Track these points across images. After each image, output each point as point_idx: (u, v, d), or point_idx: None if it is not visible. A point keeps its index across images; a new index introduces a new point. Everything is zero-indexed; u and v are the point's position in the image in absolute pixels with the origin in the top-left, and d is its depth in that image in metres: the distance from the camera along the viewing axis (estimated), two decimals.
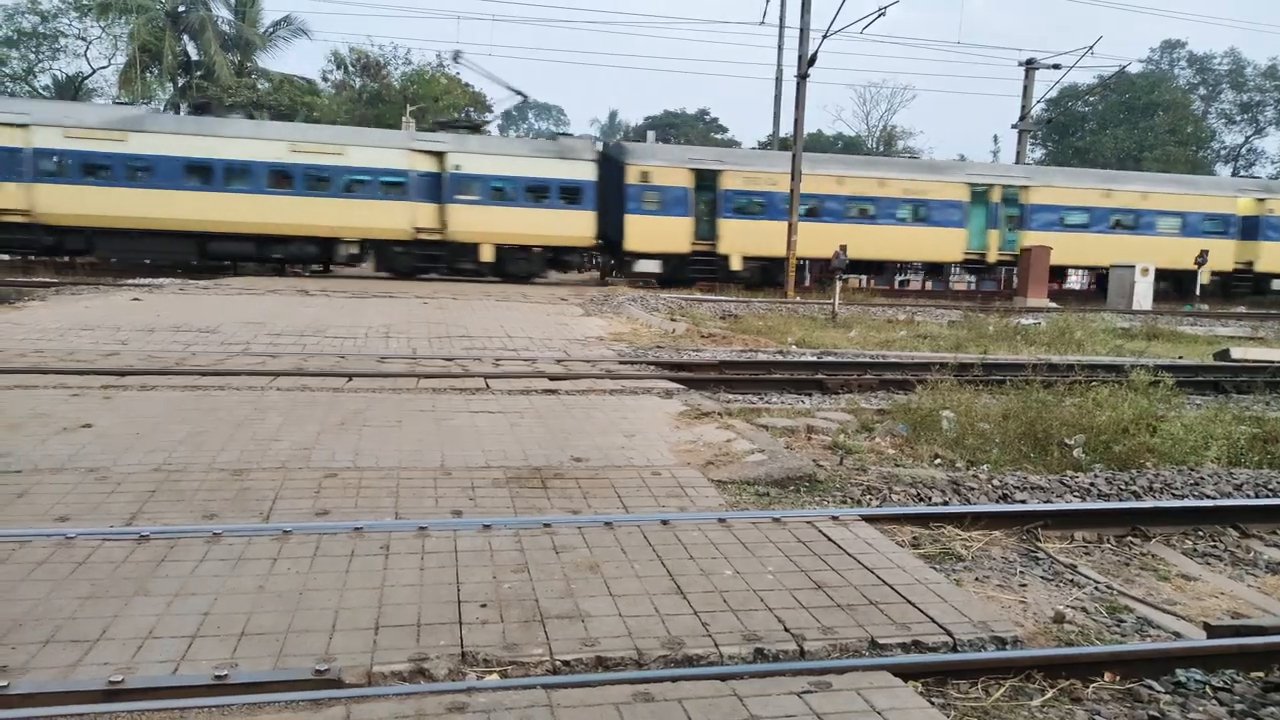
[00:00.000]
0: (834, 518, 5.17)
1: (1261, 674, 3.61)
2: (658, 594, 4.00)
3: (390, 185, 25.12)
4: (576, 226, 26.15)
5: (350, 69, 44.83)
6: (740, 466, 6.42)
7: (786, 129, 32.34)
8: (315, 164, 24.63)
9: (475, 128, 30.39)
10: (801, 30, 24.48)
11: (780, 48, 34.59)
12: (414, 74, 44.54)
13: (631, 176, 26.39)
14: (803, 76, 24.51)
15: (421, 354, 11.26)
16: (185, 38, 41.95)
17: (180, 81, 42.10)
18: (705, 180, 26.89)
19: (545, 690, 3.08)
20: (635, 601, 3.91)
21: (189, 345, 11.15)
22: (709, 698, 3.05)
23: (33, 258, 25.03)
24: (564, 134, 48.41)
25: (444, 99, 44.13)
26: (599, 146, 28.62)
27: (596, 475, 6.00)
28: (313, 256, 25.92)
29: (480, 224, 25.48)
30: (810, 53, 24.25)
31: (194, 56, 42.59)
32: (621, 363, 11.34)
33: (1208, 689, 3.49)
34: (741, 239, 26.93)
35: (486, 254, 25.77)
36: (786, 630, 3.69)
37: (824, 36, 23.95)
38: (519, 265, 26.29)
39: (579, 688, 3.11)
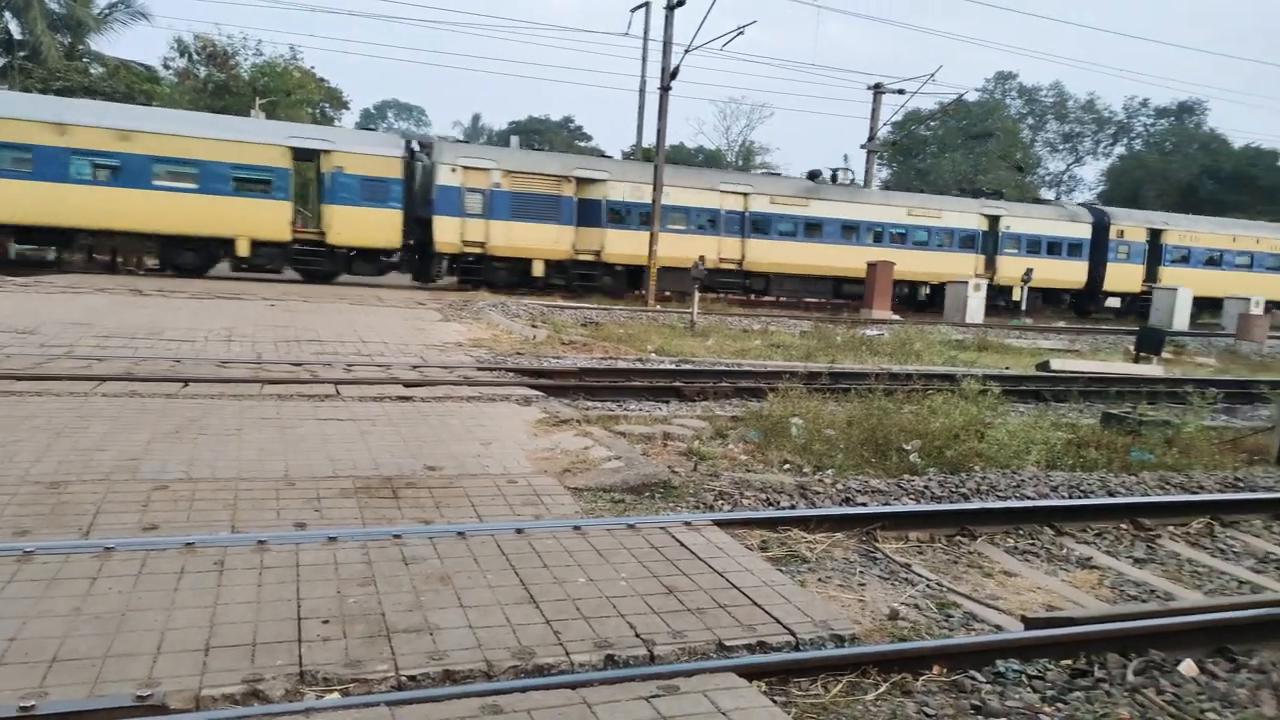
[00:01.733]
0: (687, 523, 5.26)
1: (1070, 661, 3.92)
2: (510, 604, 3.96)
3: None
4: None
5: (195, 57, 42.36)
6: (597, 474, 6.45)
7: (650, 140, 32.82)
8: None
9: None
10: (665, 43, 24.91)
11: (644, 59, 35.04)
12: (265, 65, 42.53)
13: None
14: (665, 89, 24.94)
15: (267, 359, 10.75)
16: (7, 14, 38.57)
17: (1, 62, 38.65)
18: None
19: (389, 707, 2.99)
20: (487, 612, 3.86)
21: (1, 347, 10.24)
22: (558, 707, 3.05)
23: None
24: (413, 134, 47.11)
25: (297, 93, 42.37)
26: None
27: (451, 484, 5.89)
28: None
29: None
30: (673, 66, 24.70)
31: (17, 35, 39.21)
32: (480, 369, 11.19)
33: (1024, 678, 3.76)
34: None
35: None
36: (638, 636, 3.73)
37: (686, 51, 24.48)
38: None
39: (425, 703, 3.04)
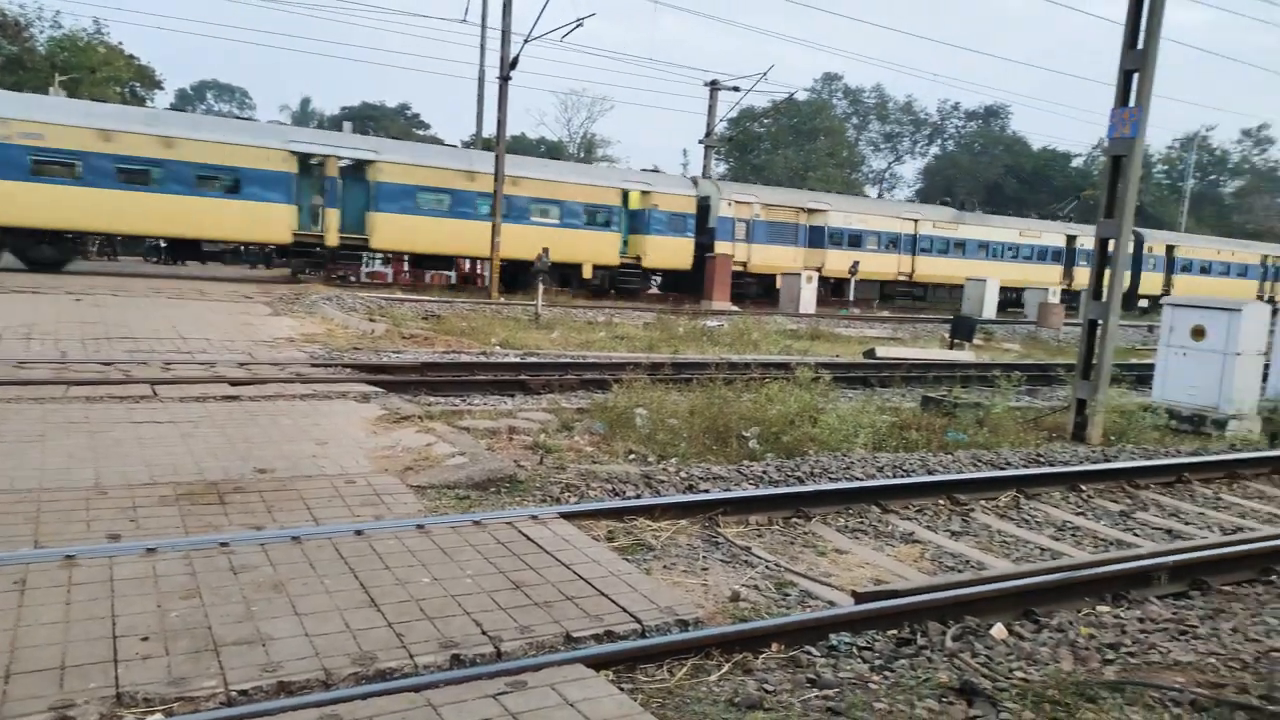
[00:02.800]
0: (533, 517, 5.24)
1: (896, 631, 4.18)
2: (350, 609, 3.83)
3: None
4: None
5: None
6: (440, 470, 6.32)
7: (490, 130, 32.35)
8: None
9: None
10: (503, 33, 24.58)
11: (483, 48, 34.47)
12: (65, 40, 38.99)
13: None
14: (505, 79, 24.63)
15: (73, 358, 9.90)
16: None
17: None
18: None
19: None
20: (325, 619, 3.71)
21: None
22: (401, 711, 2.97)
23: None
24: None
25: (102, 70, 39.10)
26: None
27: (283, 487, 5.62)
28: None
29: None
30: (512, 56, 24.42)
31: None
32: (314, 365, 10.72)
33: (855, 649, 3.97)
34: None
35: None
36: (484, 633, 3.69)
37: (525, 40, 24.27)
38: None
39: (257, 718, 2.89)
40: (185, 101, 73.37)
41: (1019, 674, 3.74)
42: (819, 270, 31.17)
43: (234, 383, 9.02)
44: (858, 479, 7.00)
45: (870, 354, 16.74)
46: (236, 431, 6.99)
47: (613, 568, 4.55)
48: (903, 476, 7.19)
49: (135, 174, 21.73)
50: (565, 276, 27.16)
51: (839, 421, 8.50)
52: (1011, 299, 36.26)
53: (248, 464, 6.09)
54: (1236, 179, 77.09)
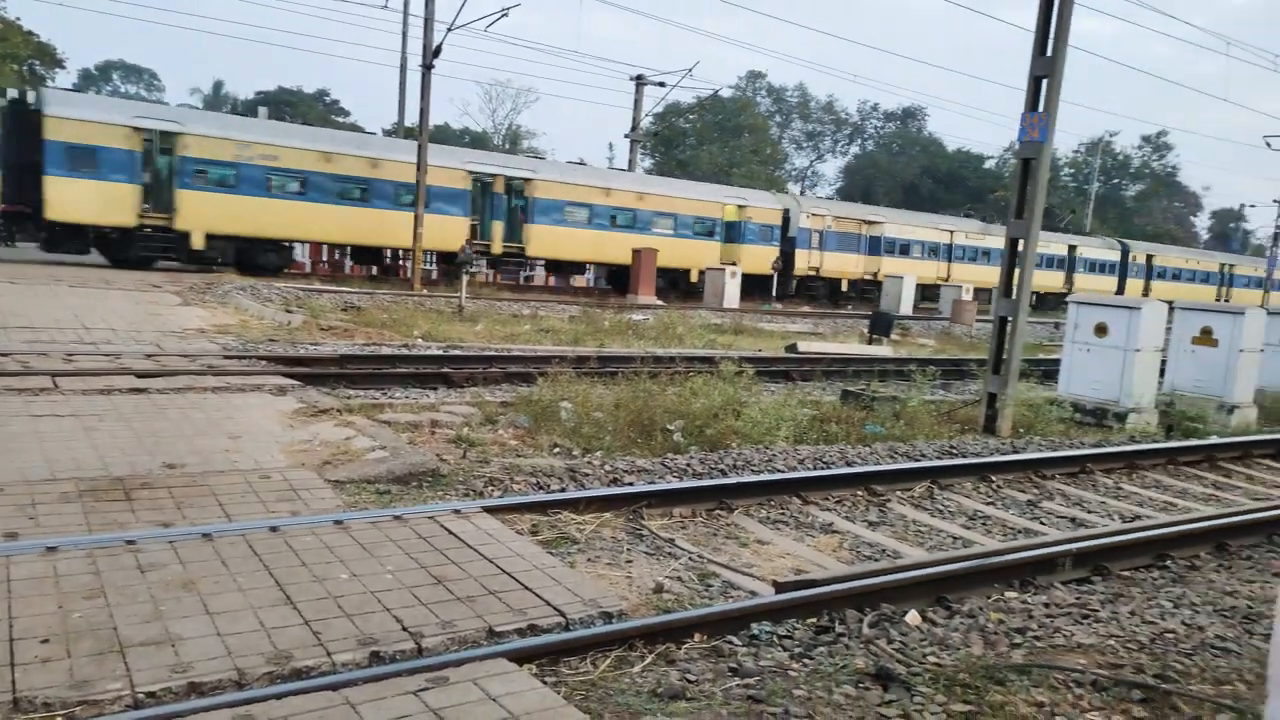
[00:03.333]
0: (456, 511, 5.19)
1: (815, 620, 4.27)
2: (264, 607, 3.73)
3: None
4: None
5: None
6: (360, 465, 6.20)
7: (412, 119, 31.76)
8: None
9: None
10: (426, 20, 24.12)
11: (405, 35, 33.84)
12: None
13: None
14: (428, 67, 24.20)
15: None
16: None
17: None
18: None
19: None
20: (238, 618, 3.60)
21: None
22: (319, 710, 2.91)
23: None
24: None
25: None
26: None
27: (194, 483, 5.44)
28: None
29: None
30: (435, 44, 24.01)
31: None
32: (227, 357, 10.38)
33: (775, 638, 4.05)
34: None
35: None
36: (405, 629, 3.63)
37: (449, 29, 23.85)
38: None
39: None
40: (89, 82, 70.14)
41: (932, 659, 3.86)
42: (875, 275, 35.24)
43: (141, 375, 8.68)
44: (779, 471, 7.11)
45: (792, 349, 17.02)
46: (144, 425, 6.73)
47: (537, 561, 4.54)
48: (823, 468, 7.33)
49: (348, 191, 24.89)
50: (674, 279, 30.67)
51: (761, 415, 8.62)
52: (929, 295, 37.48)
53: (156, 459, 5.87)
54: (1138, 183, 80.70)
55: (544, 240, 27.89)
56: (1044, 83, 9.71)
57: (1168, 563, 5.73)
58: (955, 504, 6.95)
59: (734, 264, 30.71)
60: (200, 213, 22.54)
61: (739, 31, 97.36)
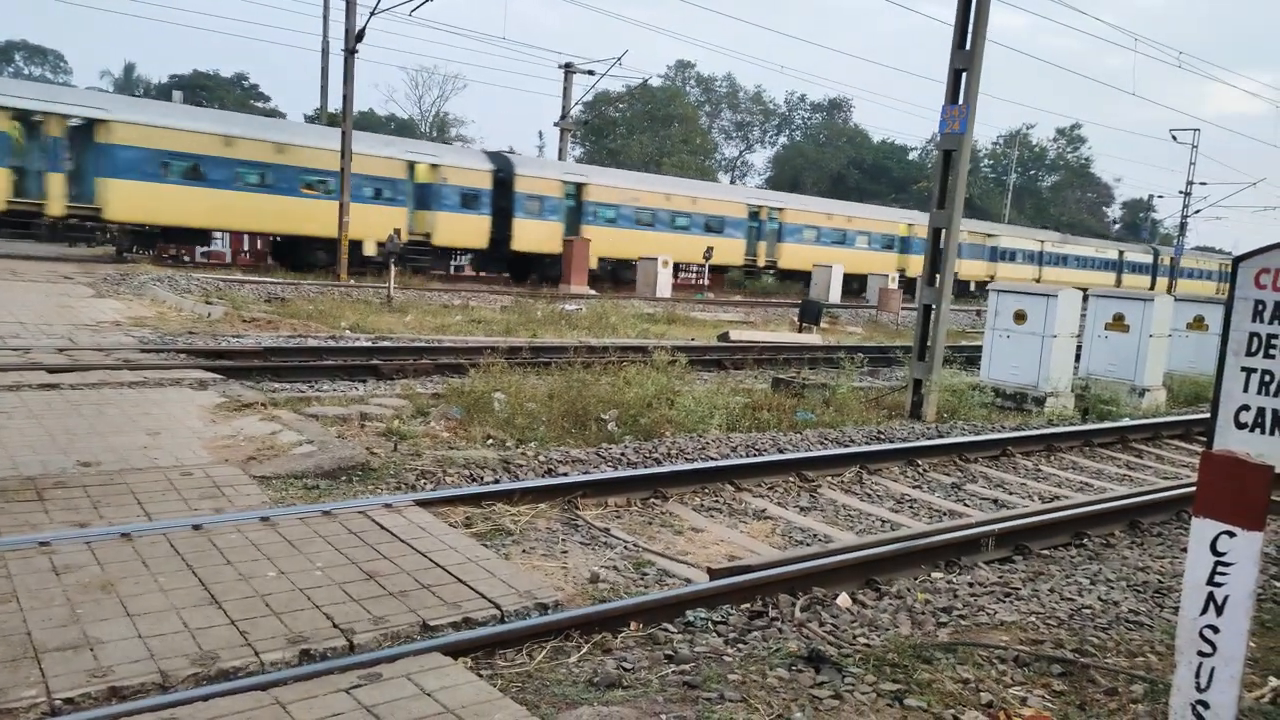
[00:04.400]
0: (387, 505, 5.11)
1: (749, 605, 4.32)
2: (188, 607, 3.62)
3: None
4: None
5: None
6: (287, 460, 6.06)
7: (335, 104, 31.01)
8: None
9: None
10: (348, 3, 23.58)
11: (326, 18, 32.97)
12: None
13: None
14: (351, 51, 23.64)
15: None
16: None
17: None
18: None
19: None
20: (160, 619, 3.49)
21: None
22: (247, 711, 2.84)
23: None
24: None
25: None
26: None
27: (111, 481, 5.24)
28: None
29: None
30: (359, 27, 23.47)
31: None
32: (144, 351, 10.02)
33: (710, 624, 4.09)
34: None
35: None
36: (336, 626, 3.57)
37: (372, 13, 23.36)
38: None
39: None
40: None
41: (862, 640, 3.95)
42: (903, 272, 37.06)
43: (52, 370, 8.33)
44: (713, 459, 7.18)
45: (724, 337, 17.17)
46: (56, 423, 6.46)
47: (470, 554, 4.50)
48: (755, 456, 7.42)
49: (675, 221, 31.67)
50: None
51: (695, 403, 8.69)
52: (855, 286, 38.14)
53: (70, 457, 5.64)
54: (1053, 174, 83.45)
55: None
56: (964, 75, 9.96)
57: (1085, 541, 5.96)
58: (884, 488, 7.11)
59: (901, 270, 33.96)
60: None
61: (668, 20, 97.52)
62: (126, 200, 22.29)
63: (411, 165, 27.17)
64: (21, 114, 21.25)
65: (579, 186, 30.77)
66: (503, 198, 28.69)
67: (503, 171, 28.94)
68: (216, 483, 5.41)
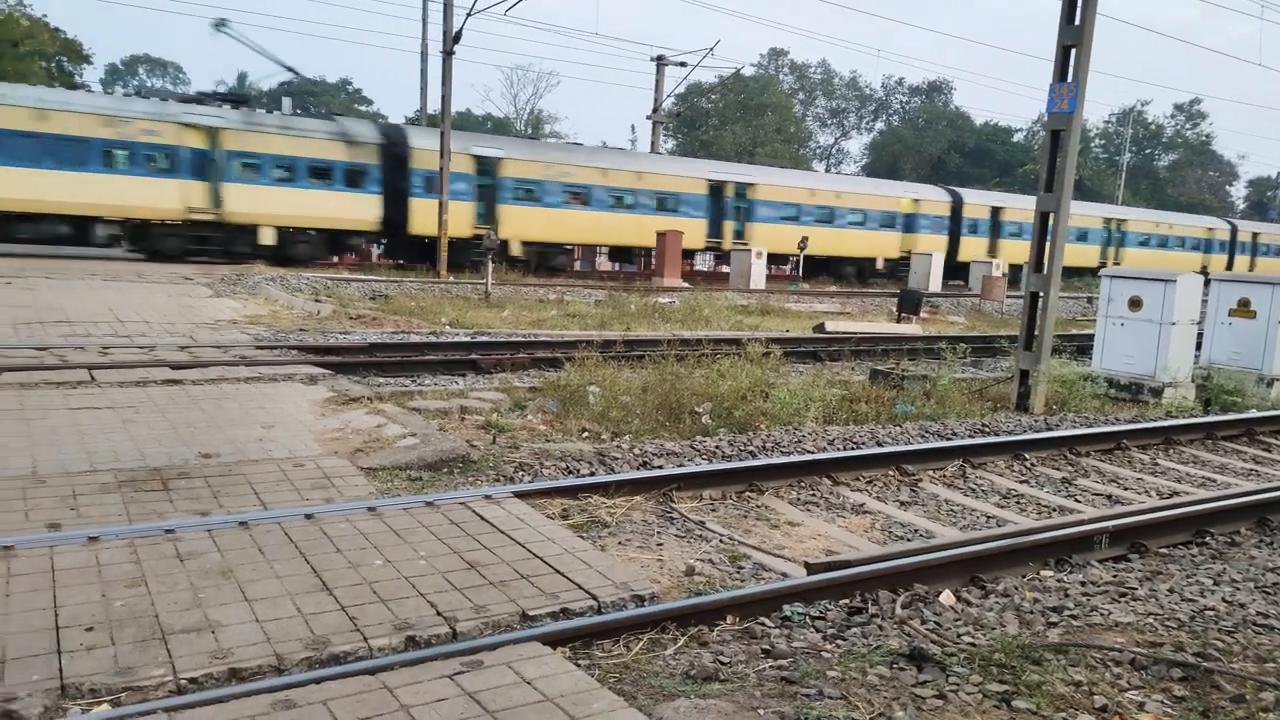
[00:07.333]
0: (487, 497, 5.22)
1: (848, 600, 4.25)
2: (301, 593, 3.78)
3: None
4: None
5: None
6: (391, 452, 6.25)
7: (435, 105, 31.81)
8: None
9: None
10: (445, 5, 24.13)
11: (425, 21, 33.86)
12: None
13: None
14: (449, 53, 24.21)
15: (4, 343, 9.56)
16: None
17: None
18: None
19: (167, 713, 2.78)
20: (275, 604, 3.66)
21: None
22: (357, 694, 2.95)
23: None
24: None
25: (25, 44, 37.55)
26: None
27: (230, 472, 5.51)
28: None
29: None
30: (456, 29, 24.01)
31: None
32: (259, 348, 10.50)
33: (808, 619, 4.04)
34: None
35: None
36: (439, 614, 3.67)
37: (469, 14, 23.86)
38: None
39: (208, 705, 2.84)
40: (116, 77, 70.85)
41: (967, 639, 3.84)
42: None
43: (175, 366, 8.80)
44: (809, 452, 7.08)
45: (820, 329, 16.91)
46: (179, 416, 6.83)
47: (568, 545, 4.56)
48: (853, 449, 7.29)
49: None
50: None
51: (790, 396, 8.58)
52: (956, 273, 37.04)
53: (192, 449, 5.95)
54: (1170, 153, 79.10)
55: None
56: (1073, 52, 9.52)
57: (1207, 539, 5.64)
58: (988, 483, 6.88)
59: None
60: None
61: (760, 9, 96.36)
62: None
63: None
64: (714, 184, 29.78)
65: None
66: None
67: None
68: (326, 474, 5.63)
